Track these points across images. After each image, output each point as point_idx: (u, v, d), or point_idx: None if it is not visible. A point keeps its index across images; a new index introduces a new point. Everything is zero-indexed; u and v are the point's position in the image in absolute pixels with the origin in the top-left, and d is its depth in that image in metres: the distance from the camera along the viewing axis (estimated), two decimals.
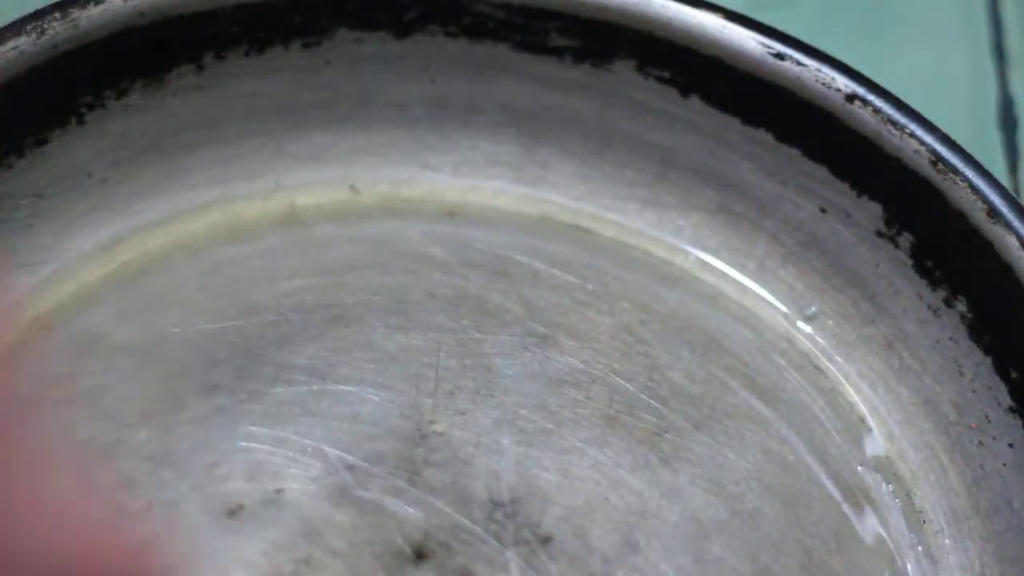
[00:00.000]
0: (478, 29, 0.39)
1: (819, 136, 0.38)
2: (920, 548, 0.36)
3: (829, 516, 0.36)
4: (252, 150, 0.40)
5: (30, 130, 0.36)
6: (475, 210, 0.40)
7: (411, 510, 0.34)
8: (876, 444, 0.38)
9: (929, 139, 0.36)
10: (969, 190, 0.36)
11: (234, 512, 0.33)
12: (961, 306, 0.37)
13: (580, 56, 0.39)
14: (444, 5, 0.39)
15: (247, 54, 0.38)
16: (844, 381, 0.39)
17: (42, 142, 0.37)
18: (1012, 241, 0.35)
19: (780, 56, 0.37)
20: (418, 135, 0.41)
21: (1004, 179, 0.45)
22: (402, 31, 0.39)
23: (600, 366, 0.37)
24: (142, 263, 0.38)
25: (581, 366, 0.37)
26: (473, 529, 0.34)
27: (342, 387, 0.36)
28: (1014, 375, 0.36)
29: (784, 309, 0.40)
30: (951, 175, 0.36)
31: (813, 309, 0.40)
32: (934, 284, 0.38)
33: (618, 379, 0.37)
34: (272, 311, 0.37)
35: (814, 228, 0.39)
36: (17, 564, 0.22)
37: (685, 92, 0.39)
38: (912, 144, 0.37)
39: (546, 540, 0.34)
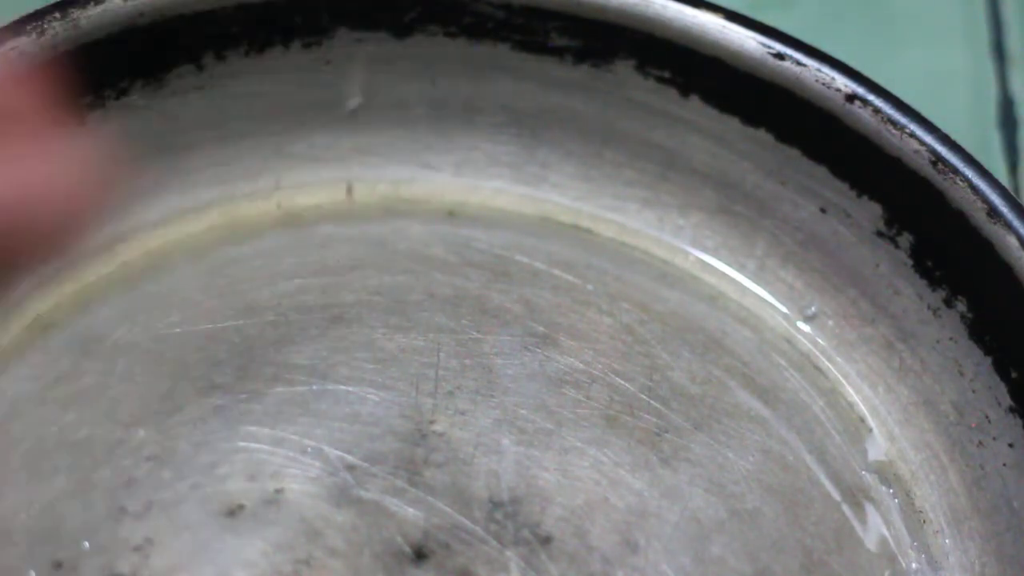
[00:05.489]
0: (478, 29, 0.39)
1: (819, 136, 0.38)
2: (920, 548, 0.36)
3: (829, 516, 0.36)
4: (252, 150, 0.40)
5: None
6: (475, 210, 0.40)
7: (411, 510, 0.34)
8: (876, 444, 0.38)
9: (929, 139, 0.36)
10: (969, 190, 0.36)
11: (234, 512, 0.33)
12: (961, 306, 0.37)
13: (580, 56, 0.39)
14: (444, 5, 0.39)
15: (247, 54, 0.38)
16: (844, 381, 0.39)
17: None
18: (1012, 241, 0.35)
19: (780, 56, 0.37)
20: (418, 135, 0.41)
21: (1004, 179, 0.45)
22: (402, 31, 0.39)
23: (600, 366, 0.37)
24: (142, 263, 0.38)
25: (581, 366, 0.37)
26: (473, 529, 0.34)
27: (342, 387, 0.36)
28: (1014, 375, 0.36)
29: (784, 309, 0.40)
30: (951, 175, 0.36)
31: (813, 309, 0.40)
32: (934, 284, 0.38)
33: (618, 379, 0.37)
34: (272, 311, 0.37)
35: (814, 228, 0.39)
36: None
37: (685, 92, 0.39)
38: (912, 144, 0.37)
39: (546, 540, 0.34)
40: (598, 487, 0.35)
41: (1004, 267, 0.36)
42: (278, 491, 0.34)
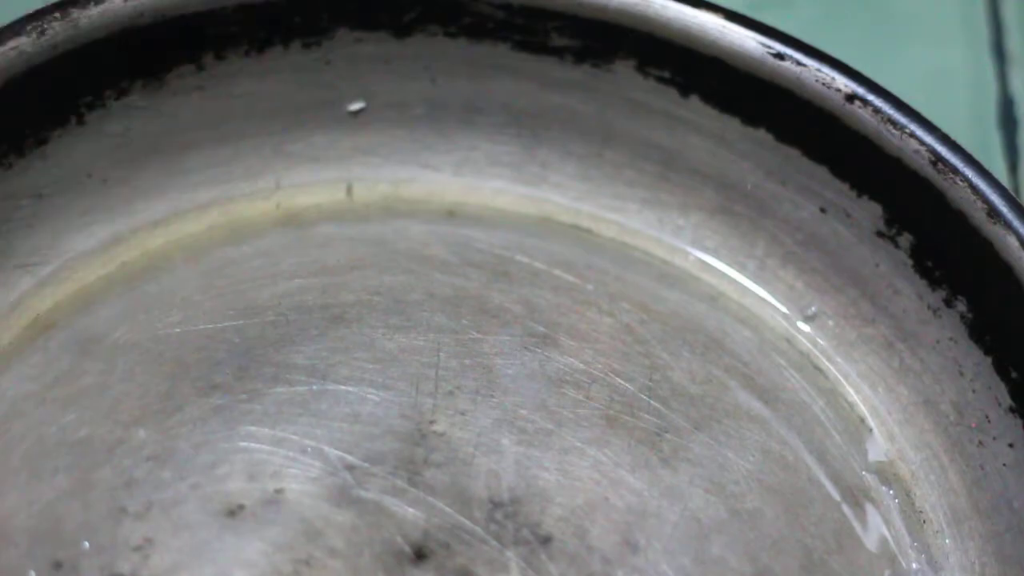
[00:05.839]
0: (478, 29, 0.39)
1: (819, 136, 0.38)
2: (920, 548, 0.36)
3: (829, 516, 0.36)
4: (252, 150, 0.40)
5: (30, 130, 0.36)
6: (475, 210, 0.40)
7: (411, 510, 0.34)
8: (876, 444, 0.38)
9: (929, 139, 0.36)
10: (969, 190, 0.36)
11: (234, 512, 0.33)
12: (961, 306, 0.37)
13: (580, 56, 0.39)
14: (444, 5, 0.39)
15: (247, 54, 0.38)
16: (844, 381, 0.39)
17: (42, 142, 0.37)
18: (1012, 241, 0.35)
19: (780, 56, 0.37)
20: (418, 135, 0.41)
21: (1004, 179, 0.45)
22: (402, 31, 0.39)
23: (600, 366, 0.37)
24: (142, 263, 0.38)
25: (581, 366, 0.37)
26: (473, 529, 0.34)
27: (342, 387, 0.36)
28: (1014, 375, 0.36)
29: (784, 309, 0.40)
30: (951, 175, 0.36)
31: (813, 309, 0.40)
32: (934, 284, 0.38)
33: (618, 379, 0.37)
34: (272, 311, 0.37)
35: (814, 228, 0.39)
36: None
37: (685, 92, 0.39)
38: (912, 144, 0.37)
39: (546, 540, 0.34)
40: (598, 487, 0.35)
41: (1004, 267, 0.36)
42: (278, 491, 0.34)
